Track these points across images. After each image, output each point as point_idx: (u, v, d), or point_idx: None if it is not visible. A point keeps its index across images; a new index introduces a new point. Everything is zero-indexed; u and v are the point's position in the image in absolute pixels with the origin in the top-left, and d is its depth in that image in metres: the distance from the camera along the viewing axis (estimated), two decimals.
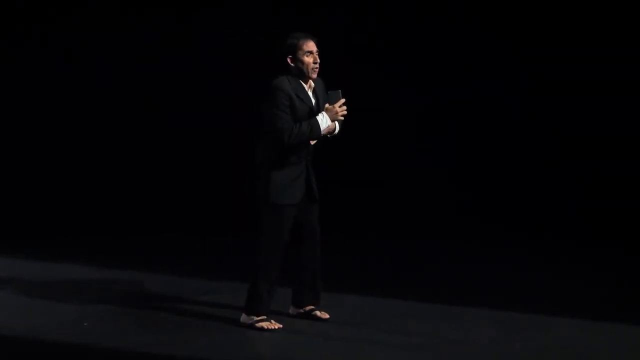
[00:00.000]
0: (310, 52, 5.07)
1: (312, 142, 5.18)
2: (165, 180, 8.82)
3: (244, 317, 5.20)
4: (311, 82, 5.17)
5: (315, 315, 5.35)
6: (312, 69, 5.09)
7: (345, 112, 5.09)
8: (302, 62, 5.08)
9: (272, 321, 5.15)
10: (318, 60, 5.10)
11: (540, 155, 8.64)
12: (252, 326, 5.14)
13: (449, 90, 8.63)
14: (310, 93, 5.15)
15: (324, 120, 5.04)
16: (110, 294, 5.99)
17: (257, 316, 5.14)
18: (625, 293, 6.21)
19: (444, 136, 8.70)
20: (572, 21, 8.34)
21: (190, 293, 5.96)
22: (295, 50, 5.08)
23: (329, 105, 5.09)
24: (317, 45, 5.12)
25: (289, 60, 5.09)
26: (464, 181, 8.67)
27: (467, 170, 8.71)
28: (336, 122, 5.15)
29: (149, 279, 6.35)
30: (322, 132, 5.05)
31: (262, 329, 5.11)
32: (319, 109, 5.13)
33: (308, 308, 5.36)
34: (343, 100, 5.08)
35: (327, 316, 5.35)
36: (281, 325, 5.14)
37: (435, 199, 8.57)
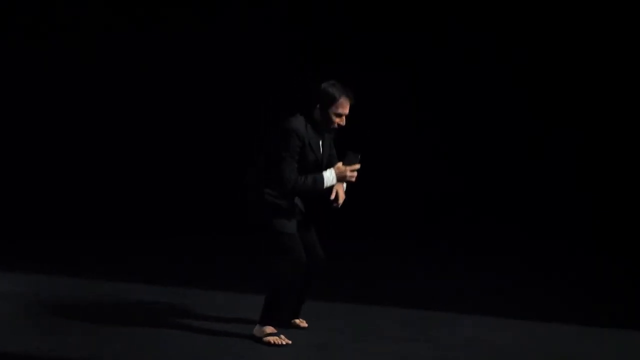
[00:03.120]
0: (342, 114, 4.94)
1: None
2: (88, 182, 8.65)
3: (257, 329, 5.08)
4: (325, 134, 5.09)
5: (294, 324, 5.33)
6: (333, 128, 4.98)
7: (354, 179, 4.97)
8: (329, 118, 4.95)
9: (282, 336, 5.05)
10: (343, 124, 4.98)
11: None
12: (260, 340, 5.03)
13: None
14: (321, 144, 5.05)
15: (330, 178, 4.95)
16: (18, 297, 5.78)
17: (269, 328, 5.03)
18: (546, 292, 6.41)
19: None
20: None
21: (104, 296, 5.86)
22: (329, 105, 4.92)
23: (342, 165, 4.97)
24: (351, 107, 4.96)
25: (317, 106, 4.96)
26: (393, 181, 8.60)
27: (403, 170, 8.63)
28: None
29: (63, 283, 6.19)
30: (324, 189, 4.96)
31: (269, 343, 5.00)
32: (326, 162, 5.06)
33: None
34: (358, 166, 4.96)
35: (306, 324, 5.34)
36: (290, 342, 5.03)
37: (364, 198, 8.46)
